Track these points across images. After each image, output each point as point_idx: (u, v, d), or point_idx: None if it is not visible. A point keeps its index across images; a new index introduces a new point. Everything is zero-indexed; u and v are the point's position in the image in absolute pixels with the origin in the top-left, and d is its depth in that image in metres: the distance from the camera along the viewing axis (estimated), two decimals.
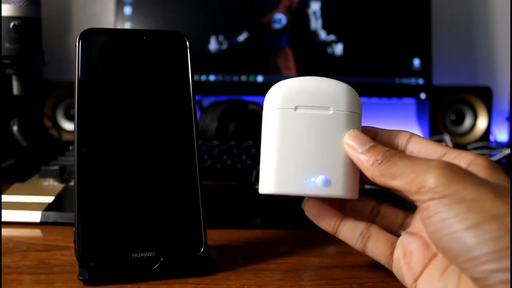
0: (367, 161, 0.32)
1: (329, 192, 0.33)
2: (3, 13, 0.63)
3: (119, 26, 0.85)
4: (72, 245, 0.36)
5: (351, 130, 0.34)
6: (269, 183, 0.34)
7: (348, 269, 0.39)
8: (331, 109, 0.34)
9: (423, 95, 0.88)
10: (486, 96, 0.90)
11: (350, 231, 0.35)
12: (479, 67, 1.02)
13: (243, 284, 0.36)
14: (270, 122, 0.34)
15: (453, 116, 0.91)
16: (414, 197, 0.29)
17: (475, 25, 1.02)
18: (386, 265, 0.34)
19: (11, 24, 0.63)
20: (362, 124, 0.35)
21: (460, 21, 1.01)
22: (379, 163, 0.31)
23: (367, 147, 0.32)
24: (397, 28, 0.87)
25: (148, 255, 0.36)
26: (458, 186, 0.27)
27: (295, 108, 0.34)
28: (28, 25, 0.64)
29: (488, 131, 0.89)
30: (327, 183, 0.33)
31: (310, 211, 0.36)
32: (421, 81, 0.88)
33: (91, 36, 0.39)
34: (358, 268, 0.39)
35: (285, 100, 0.34)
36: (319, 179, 0.33)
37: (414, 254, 0.32)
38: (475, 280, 0.26)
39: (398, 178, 0.30)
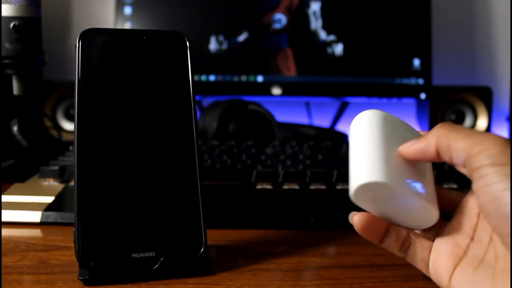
0: (426, 137, 0.33)
1: (425, 200, 0.33)
2: (3, 13, 0.63)
3: (119, 26, 0.85)
4: (72, 245, 0.36)
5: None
6: (378, 172, 0.32)
7: (348, 269, 0.39)
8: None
9: (423, 95, 0.88)
10: (486, 96, 0.89)
11: (394, 241, 0.35)
12: (479, 67, 1.02)
13: (243, 284, 0.36)
14: (370, 125, 0.35)
15: (453, 116, 0.91)
16: (474, 158, 0.30)
17: (475, 25, 1.02)
18: (425, 272, 0.35)
19: (11, 24, 0.63)
20: None
21: (460, 21, 1.01)
22: (440, 126, 0.33)
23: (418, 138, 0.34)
24: (397, 28, 0.87)
25: (148, 255, 0.36)
26: None
27: (392, 127, 0.35)
28: (28, 25, 0.64)
29: (488, 131, 0.89)
30: (424, 191, 0.34)
31: (359, 224, 0.35)
32: (421, 81, 0.88)
33: (91, 36, 0.39)
34: (358, 268, 0.39)
35: (383, 119, 0.35)
36: (418, 185, 0.33)
37: (445, 254, 0.33)
38: None
39: (462, 139, 0.31)
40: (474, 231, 0.33)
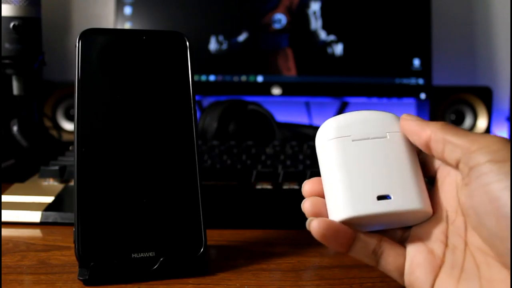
0: (425, 122, 0.32)
1: (406, 206, 0.31)
2: (3, 13, 0.63)
3: (119, 26, 0.85)
4: (72, 245, 0.36)
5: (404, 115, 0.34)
6: (343, 209, 0.32)
7: (348, 269, 0.39)
8: (387, 134, 0.34)
9: (423, 95, 0.88)
10: (486, 96, 0.90)
11: (362, 249, 0.33)
12: (479, 67, 1.02)
13: (243, 284, 0.36)
14: (329, 152, 0.34)
15: (453, 116, 0.91)
16: (472, 155, 0.28)
17: (475, 25, 1.02)
18: (400, 282, 0.33)
19: (11, 24, 0.63)
20: None
21: (460, 21, 1.01)
22: (439, 123, 0.32)
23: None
24: (397, 28, 0.87)
25: (148, 255, 0.36)
26: None
27: (352, 138, 0.34)
28: (28, 25, 0.64)
29: (488, 131, 0.89)
30: (402, 197, 0.32)
31: (318, 232, 0.32)
32: (421, 81, 0.88)
33: (91, 36, 0.39)
34: (358, 268, 0.39)
35: (342, 130, 0.34)
36: (397, 195, 0.32)
37: (421, 265, 0.31)
38: None
39: (459, 136, 0.30)
40: (446, 236, 0.31)
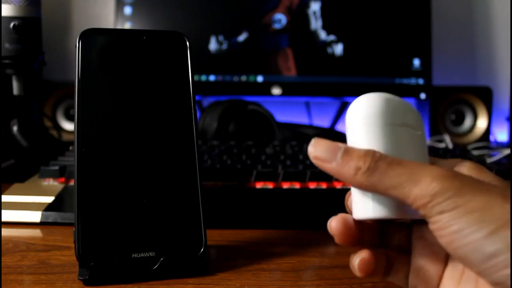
0: (348, 171, 0.28)
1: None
2: (3, 13, 0.63)
3: (119, 26, 0.85)
4: (72, 245, 0.36)
5: (313, 139, 0.30)
6: (371, 208, 0.30)
7: (348, 269, 0.39)
8: (419, 130, 0.32)
9: (423, 95, 0.88)
10: (486, 96, 0.90)
11: (380, 268, 0.32)
12: (479, 67, 1.02)
13: (243, 284, 0.36)
14: (368, 133, 0.30)
15: (453, 116, 0.91)
16: (420, 211, 0.27)
17: (475, 25, 1.02)
18: (404, 286, 0.33)
19: (11, 24, 0.63)
20: None
21: (460, 21, 1.01)
22: (364, 172, 0.28)
23: (339, 155, 0.29)
24: (397, 28, 0.87)
25: (148, 255, 0.36)
26: (467, 196, 0.26)
27: (392, 124, 0.30)
28: (28, 25, 0.64)
29: (488, 131, 0.89)
30: None
31: (362, 270, 0.31)
32: (421, 81, 0.88)
33: (91, 36, 0.39)
34: None
35: (387, 114, 0.31)
36: None
37: (426, 270, 0.31)
38: (495, 284, 0.26)
39: (394, 190, 0.27)
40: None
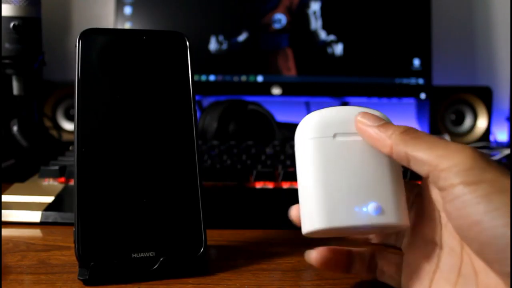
0: (385, 131, 0.29)
1: (382, 221, 0.30)
2: (3, 13, 0.63)
3: (119, 26, 0.85)
4: (72, 245, 0.36)
5: (361, 111, 0.31)
6: (317, 218, 0.30)
7: None
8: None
9: (423, 95, 0.88)
10: (486, 96, 0.90)
11: (360, 266, 0.33)
12: (479, 67, 1.02)
13: (243, 284, 0.36)
14: (308, 153, 0.32)
15: (453, 116, 0.91)
16: (441, 174, 0.26)
17: (475, 25, 1.02)
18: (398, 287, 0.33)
19: (11, 24, 0.63)
20: None
21: (460, 21, 1.01)
22: (401, 132, 0.29)
23: (381, 122, 0.30)
24: (397, 28, 0.87)
25: (148, 255, 0.36)
26: (490, 175, 0.25)
27: (334, 135, 0.31)
28: (28, 25, 0.64)
29: (488, 131, 0.89)
30: (379, 210, 0.30)
31: (319, 262, 0.33)
32: (421, 81, 0.88)
33: (91, 36, 0.39)
34: None
35: (323, 129, 0.32)
36: (370, 207, 0.30)
37: (416, 272, 0.31)
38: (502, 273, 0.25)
39: (424, 151, 0.27)
40: (441, 238, 0.30)
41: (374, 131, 0.30)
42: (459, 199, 0.26)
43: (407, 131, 0.29)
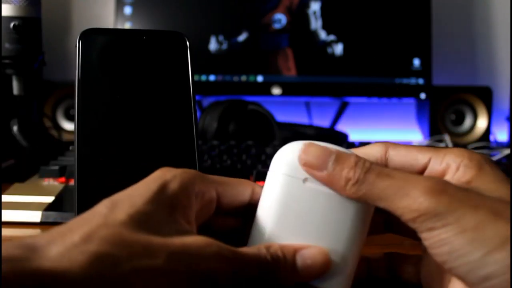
0: (339, 183, 0.27)
1: (317, 284, 0.28)
2: (3, 13, 0.63)
3: (119, 26, 0.85)
4: None
5: (303, 144, 0.29)
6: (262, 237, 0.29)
7: None
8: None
9: (423, 95, 0.88)
10: (486, 96, 0.90)
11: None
12: (479, 67, 1.02)
13: None
14: (274, 187, 0.29)
15: (453, 116, 0.91)
16: (409, 224, 0.26)
17: (475, 25, 1.02)
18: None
19: (11, 24, 0.63)
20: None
21: (460, 21, 1.01)
22: (353, 183, 0.27)
23: (330, 163, 0.28)
24: (397, 28, 0.88)
25: None
26: (457, 213, 0.25)
27: (304, 180, 0.29)
28: (28, 25, 0.64)
29: (488, 131, 0.89)
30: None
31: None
32: (421, 81, 0.88)
33: (91, 36, 0.39)
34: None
35: (296, 169, 0.29)
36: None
37: (434, 278, 0.30)
38: None
39: (382, 202, 0.26)
40: None
41: (327, 179, 0.28)
42: (428, 240, 0.26)
43: (360, 181, 0.27)
